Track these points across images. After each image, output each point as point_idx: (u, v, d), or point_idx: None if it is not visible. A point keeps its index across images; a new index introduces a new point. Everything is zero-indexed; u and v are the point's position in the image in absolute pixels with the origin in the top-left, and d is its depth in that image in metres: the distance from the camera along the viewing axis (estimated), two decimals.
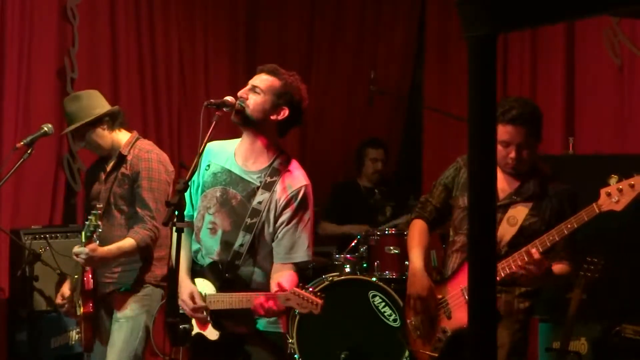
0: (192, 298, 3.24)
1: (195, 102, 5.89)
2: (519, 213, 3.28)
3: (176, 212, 2.99)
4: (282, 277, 3.14)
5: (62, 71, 5.34)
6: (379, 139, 6.32)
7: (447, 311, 3.40)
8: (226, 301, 3.17)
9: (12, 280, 4.94)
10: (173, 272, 3.15)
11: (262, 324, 3.27)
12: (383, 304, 5.08)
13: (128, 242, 3.75)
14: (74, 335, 4.94)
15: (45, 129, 4.18)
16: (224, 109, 3.36)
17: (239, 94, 3.25)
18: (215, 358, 3.34)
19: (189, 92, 6.03)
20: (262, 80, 3.23)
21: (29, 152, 4.11)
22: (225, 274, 3.22)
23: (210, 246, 3.28)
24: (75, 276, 3.93)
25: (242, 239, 3.19)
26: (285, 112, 3.20)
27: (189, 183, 3.21)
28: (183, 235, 3.16)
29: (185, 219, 3.21)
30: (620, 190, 3.01)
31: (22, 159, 4.14)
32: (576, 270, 4.08)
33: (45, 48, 5.26)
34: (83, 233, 3.70)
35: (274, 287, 3.12)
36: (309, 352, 4.98)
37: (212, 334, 3.24)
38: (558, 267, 3.30)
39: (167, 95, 5.89)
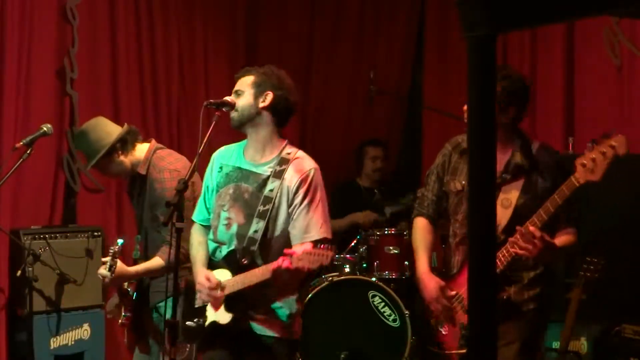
0: (208, 279, 3.32)
1: (195, 102, 5.88)
2: (512, 194, 3.23)
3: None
4: (296, 248, 3.22)
5: (61, 71, 5.33)
6: (378, 139, 6.32)
7: (463, 306, 3.38)
8: (240, 281, 3.25)
9: (12, 281, 4.93)
10: (173, 273, 3.16)
11: (269, 337, 3.34)
12: (383, 304, 5.08)
13: (156, 262, 3.78)
14: (73, 335, 4.95)
15: (45, 129, 4.18)
16: (224, 109, 3.39)
17: (228, 100, 3.41)
18: (224, 342, 3.41)
19: (188, 92, 6.02)
20: (240, 83, 3.43)
21: (28, 152, 4.11)
22: (241, 259, 3.30)
23: (226, 240, 3.37)
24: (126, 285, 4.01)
25: (256, 226, 3.29)
26: (269, 95, 3.35)
27: (189, 183, 3.24)
28: (200, 235, 3.46)
29: (203, 224, 3.48)
30: (593, 160, 2.96)
31: (22, 159, 4.14)
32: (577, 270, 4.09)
33: (45, 48, 5.25)
34: (109, 258, 3.73)
35: None
36: (309, 352, 4.98)
37: (224, 317, 3.30)
38: (562, 239, 3.24)
39: (166, 95, 5.89)
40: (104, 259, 3.79)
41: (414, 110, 6.79)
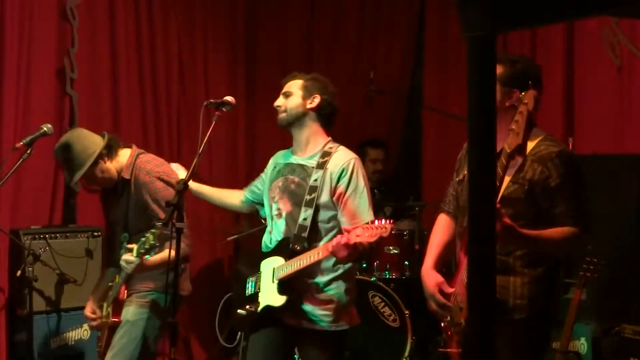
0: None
1: (194, 102, 5.88)
2: (504, 182, 3.01)
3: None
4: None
5: (61, 71, 5.33)
6: (378, 139, 6.32)
7: (458, 303, 3.26)
8: (295, 265, 3.38)
9: (12, 281, 4.93)
10: (173, 273, 3.16)
11: (322, 322, 3.46)
12: (382, 304, 5.08)
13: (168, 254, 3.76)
14: (73, 335, 4.95)
15: (45, 129, 4.18)
16: (224, 109, 3.40)
17: (275, 105, 3.62)
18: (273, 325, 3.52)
19: (188, 92, 6.02)
20: (288, 85, 3.64)
21: (28, 152, 4.11)
22: (294, 245, 3.44)
23: (278, 229, 3.57)
24: (110, 284, 3.99)
25: (305, 214, 3.46)
26: (317, 99, 3.60)
27: (188, 183, 3.25)
28: None
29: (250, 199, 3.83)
30: (517, 122, 2.77)
31: (22, 159, 4.14)
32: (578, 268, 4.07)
33: (45, 48, 5.25)
34: (136, 248, 3.68)
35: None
36: None
37: (278, 299, 3.43)
38: (549, 231, 3.01)
39: (166, 96, 5.89)
40: (130, 246, 3.73)
41: (414, 110, 6.79)
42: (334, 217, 3.50)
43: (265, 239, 3.65)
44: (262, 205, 3.78)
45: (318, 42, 6.73)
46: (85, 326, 4.95)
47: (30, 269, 4.70)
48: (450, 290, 3.28)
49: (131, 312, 3.87)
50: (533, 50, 5.69)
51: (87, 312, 4.05)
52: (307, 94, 3.60)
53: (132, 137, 5.52)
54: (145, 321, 3.84)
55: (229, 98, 3.44)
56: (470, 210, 1.47)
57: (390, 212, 5.97)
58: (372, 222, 3.26)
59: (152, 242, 3.60)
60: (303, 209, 3.47)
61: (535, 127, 3.26)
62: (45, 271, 4.78)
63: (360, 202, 3.48)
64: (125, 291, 3.94)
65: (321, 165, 3.52)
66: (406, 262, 5.36)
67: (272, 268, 3.50)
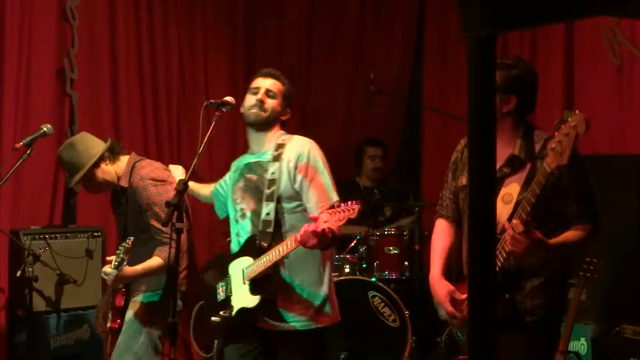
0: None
1: (194, 102, 5.88)
2: (513, 189, 3.09)
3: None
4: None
5: (61, 71, 5.33)
6: (377, 138, 6.32)
7: None
8: (264, 261, 3.28)
9: (12, 281, 4.93)
10: (173, 273, 3.16)
11: (297, 322, 3.36)
12: (383, 304, 5.08)
13: (155, 261, 3.79)
14: (73, 336, 4.95)
15: (45, 129, 4.18)
16: (224, 109, 3.40)
17: (258, 98, 3.48)
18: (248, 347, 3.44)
19: (188, 92, 6.02)
20: (273, 84, 3.52)
21: (28, 152, 4.12)
22: (260, 242, 3.35)
23: (244, 229, 3.47)
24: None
25: (267, 208, 3.37)
26: (289, 113, 3.56)
27: (188, 183, 3.25)
28: None
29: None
30: (560, 142, 2.84)
31: (22, 159, 4.14)
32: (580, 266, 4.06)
33: (45, 48, 5.25)
34: (114, 257, 3.74)
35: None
36: None
37: (252, 300, 3.33)
38: (565, 235, 3.07)
39: (166, 96, 5.89)
40: (109, 258, 3.79)
41: (414, 110, 6.79)
42: (298, 207, 3.40)
43: (233, 244, 3.54)
44: (222, 202, 3.70)
45: (318, 42, 6.73)
46: (86, 326, 4.95)
47: (30, 269, 4.71)
48: (463, 297, 3.24)
49: (131, 314, 3.89)
50: (533, 50, 5.68)
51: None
52: (284, 104, 3.54)
53: (132, 138, 5.54)
54: (146, 322, 3.86)
55: (229, 98, 3.44)
56: (470, 212, 1.46)
57: (390, 212, 5.97)
58: (338, 204, 3.17)
59: (122, 256, 3.65)
60: (264, 203, 3.39)
61: (536, 129, 3.27)
62: (45, 271, 4.78)
63: (324, 181, 3.42)
64: (123, 297, 3.96)
65: (277, 158, 3.43)
66: (406, 263, 5.36)
67: (242, 269, 3.39)
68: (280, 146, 3.46)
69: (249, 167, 3.52)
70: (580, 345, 4.50)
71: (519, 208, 2.98)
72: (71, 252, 4.97)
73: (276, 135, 3.52)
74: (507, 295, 3.10)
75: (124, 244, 3.69)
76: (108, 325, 3.96)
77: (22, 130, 5.00)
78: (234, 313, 3.39)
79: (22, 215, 5.11)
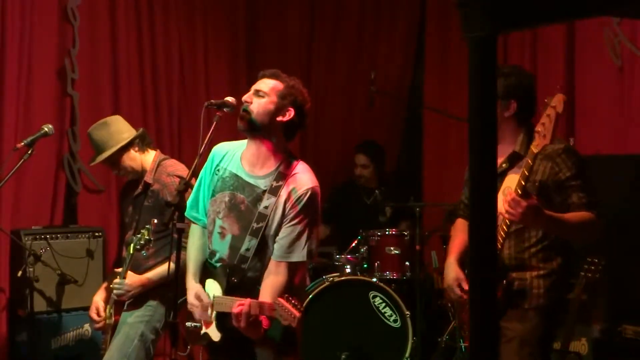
0: (199, 298, 3.26)
1: (195, 102, 5.89)
2: (513, 182, 3.16)
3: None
4: (267, 288, 3.12)
5: (62, 72, 5.34)
6: (367, 144, 6.17)
7: None
8: (228, 304, 3.13)
9: (13, 281, 4.94)
10: (175, 273, 3.16)
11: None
12: (383, 304, 5.08)
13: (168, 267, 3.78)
14: (74, 336, 4.95)
15: (46, 129, 4.19)
16: (224, 110, 3.37)
17: (243, 98, 3.24)
18: (223, 357, 3.36)
19: (189, 93, 6.03)
20: (265, 83, 3.24)
21: (29, 152, 4.12)
22: (231, 277, 3.20)
23: (219, 250, 3.26)
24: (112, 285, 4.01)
25: (249, 244, 3.17)
26: (291, 113, 3.19)
27: (190, 183, 3.24)
28: (199, 238, 3.36)
29: (193, 220, 3.40)
30: (543, 125, 2.96)
31: (23, 160, 4.14)
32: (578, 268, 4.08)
33: (46, 48, 5.25)
34: (131, 246, 3.74)
35: (262, 297, 3.10)
36: (309, 352, 4.98)
37: (215, 334, 3.25)
38: (571, 214, 3.18)
39: (167, 96, 5.89)
40: (117, 270, 3.82)
41: (414, 110, 6.79)
42: None
43: (207, 246, 3.33)
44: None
45: (318, 42, 6.74)
46: (86, 326, 4.95)
47: (31, 269, 4.71)
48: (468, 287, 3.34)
49: (129, 315, 3.89)
50: (534, 50, 5.69)
51: (92, 313, 4.05)
52: (281, 103, 3.19)
53: None
54: (144, 324, 3.87)
55: (229, 99, 3.43)
56: (471, 212, 1.47)
57: (390, 213, 5.97)
58: (289, 300, 2.96)
59: (147, 237, 3.64)
60: (247, 237, 3.16)
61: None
62: (46, 271, 4.78)
63: (301, 237, 3.13)
64: None
65: (274, 191, 3.15)
66: (407, 263, 5.36)
67: (212, 295, 3.24)
68: (281, 176, 3.18)
69: (241, 184, 3.24)
70: (581, 345, 4.50)
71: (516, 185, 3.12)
72: (72, 252, 4.97)
73: (280, 158, 3.23)
74: (504, 282, 3.23)
75: (148, 227, 3.64)
76: (111, 319, 3.95)
77: (23, 131, 5.00)
78: (201, 333, 3.30)
79: (23, 216, 5.11)
